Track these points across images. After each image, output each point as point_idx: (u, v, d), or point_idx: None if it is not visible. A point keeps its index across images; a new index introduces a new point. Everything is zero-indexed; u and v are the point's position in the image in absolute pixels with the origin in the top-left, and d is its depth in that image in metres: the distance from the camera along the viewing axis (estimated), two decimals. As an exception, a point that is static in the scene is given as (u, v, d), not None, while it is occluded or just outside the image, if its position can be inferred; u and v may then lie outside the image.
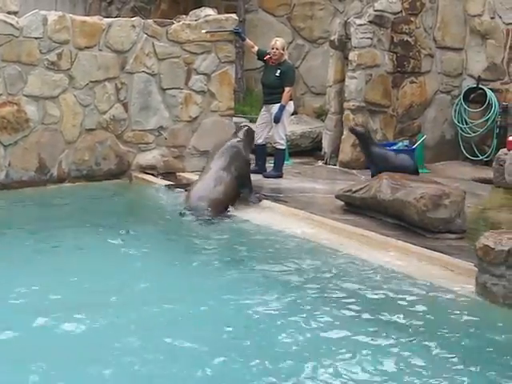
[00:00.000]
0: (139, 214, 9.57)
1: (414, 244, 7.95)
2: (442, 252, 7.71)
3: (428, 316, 6.35)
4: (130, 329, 5.84)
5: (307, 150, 12.65)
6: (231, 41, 11.19)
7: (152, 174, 10.73)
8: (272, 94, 10.84)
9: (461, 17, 12.48)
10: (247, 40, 11.44)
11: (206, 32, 10.85)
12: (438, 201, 8.23)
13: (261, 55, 11.12)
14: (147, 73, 10.68)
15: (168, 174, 10.84)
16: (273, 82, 10.83)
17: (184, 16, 11.49)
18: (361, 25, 11.71)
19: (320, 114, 13.33)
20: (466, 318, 6.36)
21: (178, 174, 10.90)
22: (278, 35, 11.90)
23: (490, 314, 6.47)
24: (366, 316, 6.27)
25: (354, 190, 9.17)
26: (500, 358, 5.63)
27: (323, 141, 12.31)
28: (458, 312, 6.46)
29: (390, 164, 10.01)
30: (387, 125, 12.07)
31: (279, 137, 10.93)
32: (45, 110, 10.07)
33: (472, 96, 12.37)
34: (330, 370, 5.29)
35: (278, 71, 10.79)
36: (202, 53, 10.95)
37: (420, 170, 11.17)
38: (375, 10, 11.82)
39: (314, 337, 5.84)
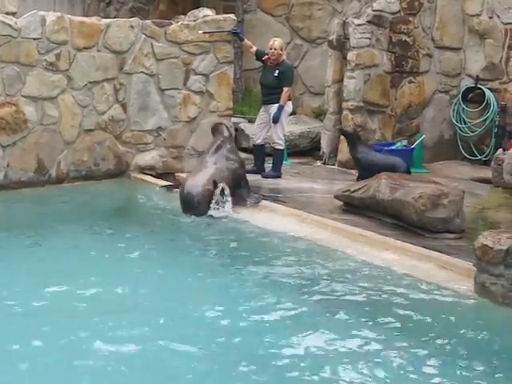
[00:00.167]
0: (138, 214, 9.57)
1: (413, 244, 7.95)
2: (440, 251, 7.71)
3: (427, 315, 6.34)
4: (127, 328, 5.83)
5: (306, 150, 12.66)
6: (230, 41, 11.18)
7: (151, 175, 10.73)
8: (270, 94, 10.84)
9: (459, 16, 12.49)
10: (246, 40, 11.44)
11: (204, 33, 10.84)
12: (436, 200, 8.23)
13: (259, 55, 11.12)
14: (146, 73, 10.67)
15: (167, 174, 10.84)
16: (271, 82, 10.83)
17: (182, 16, 11.50)
18: (359, 25, 11.71)
19: (318, 114, 13.32)
20: (464, 317, 6.37)
21: (176, 174, 10.90)
22: (277, 35, 11.89)
23: (489, 313, 6.48)
24: (364, 315, 6.27)
25: (352, 189, 9.17)
26: (499, 358, 5.63)
27: (322, 141, 12.32)
28: (457, 311, 6.47)
29: (376, 168, 9.64)
30: (386, 125, 12.08)
31: (278, 137, 10.93)
32: (43, 110, 10.05)
33: (470, 96, 12.38)
34: (329, 370, 5.30)
35: (277, 71, 10.78)
36: (201, 53, 10.94)
37: (419, 170, 11.19)
38: (373, 10, 11.82)
39: (312, 337, 5.84)
